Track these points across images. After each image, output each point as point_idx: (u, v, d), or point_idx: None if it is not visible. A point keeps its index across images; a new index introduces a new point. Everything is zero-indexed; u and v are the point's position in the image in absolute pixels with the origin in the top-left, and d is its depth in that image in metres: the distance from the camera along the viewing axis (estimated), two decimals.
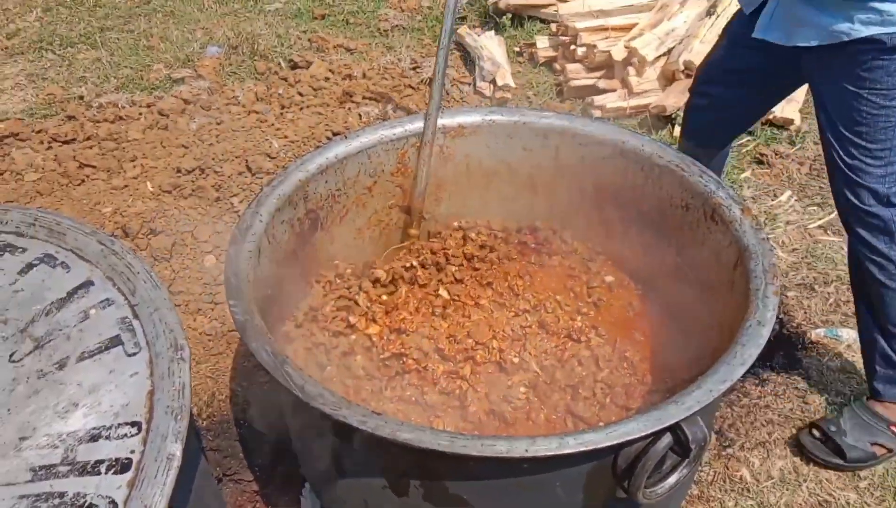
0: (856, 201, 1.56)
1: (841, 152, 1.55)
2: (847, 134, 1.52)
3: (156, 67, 3.39)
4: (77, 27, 3.81)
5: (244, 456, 1.84)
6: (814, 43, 1.49)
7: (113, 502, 0.96)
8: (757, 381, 1.94)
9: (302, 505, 1.75)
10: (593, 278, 1.79)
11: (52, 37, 3.72)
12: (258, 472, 1.82)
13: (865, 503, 1.68)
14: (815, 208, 2.47)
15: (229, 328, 2.08)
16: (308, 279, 1.73)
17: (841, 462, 1.72)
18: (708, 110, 1.86)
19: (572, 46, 3.16)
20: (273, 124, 2.85)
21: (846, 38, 1.44)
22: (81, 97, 3.18)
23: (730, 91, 1.79)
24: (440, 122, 1.79)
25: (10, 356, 1.15)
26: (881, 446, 1.73)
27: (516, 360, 1.59)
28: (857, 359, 1.88)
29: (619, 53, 2.98)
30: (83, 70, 3.44)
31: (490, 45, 3.32)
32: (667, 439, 1.11)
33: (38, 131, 2.88)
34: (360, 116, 2.92)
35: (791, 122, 2.80)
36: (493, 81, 3.13)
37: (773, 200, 2.53)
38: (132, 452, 1.02)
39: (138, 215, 2.34)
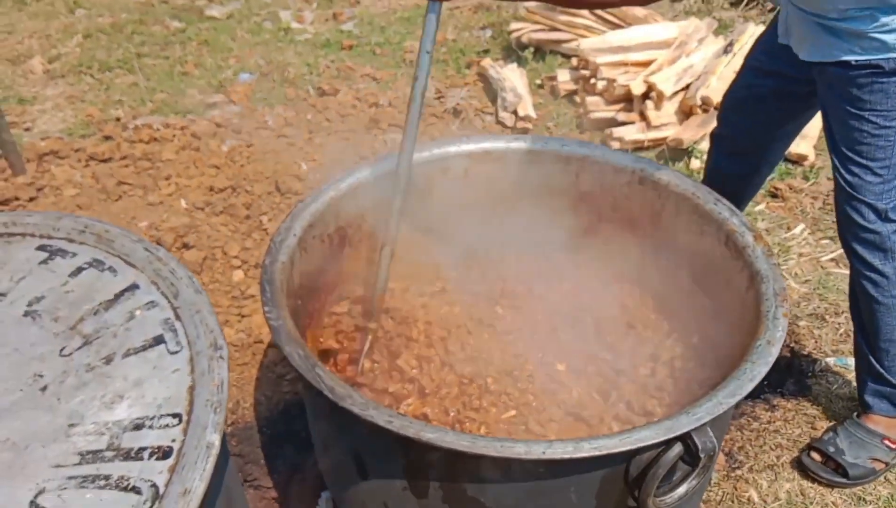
0: (855, 217, 1.62)
1: (842, 169, 1.61)
2: (848, 152, 1.59)
3: (190, 92, 3.53)
4: (115, 53, 3.98)
5: (265, 463, 1.90)
6: (816, 59, 1.56)
7: (154, 485, 1.02)
8: (767, 406, 1.98)
9: None
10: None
11: (92, 61, 3.88)
12: (277, 479, 1.87)
13: None
14: (827, 241, 2.52)
15: (255, 339, 2.16)
16: (335, 292, 1.81)
17: (845, 480, 1.76)
18: (730, 140, 1.93)
19: (592, 80, 3.26)
20: (301, 148, 2.97)
21: (847, 59, 1.50)
22: (118, 119, 3.32)
23: (749, 119, 1.85)
24: (466, 147, 1.87)
25: (61, 350, 1.23)
26: (878, 460, 1.77)
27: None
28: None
29: (638, 88, 3.08)
30: (120, 94, 3.59)
31: (512, 77, 3.43)
32: (677, 448, 1.16)
33: (77, 150, 3.01)
34: (385, 142, 3.02)
35: (805, 158, 2.87)
36: (515, 112, 3.23)
37: (786, 232, 2.59)
38: (173, 441, 1.09)
39: (172, 230, 2.44)
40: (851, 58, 1.50)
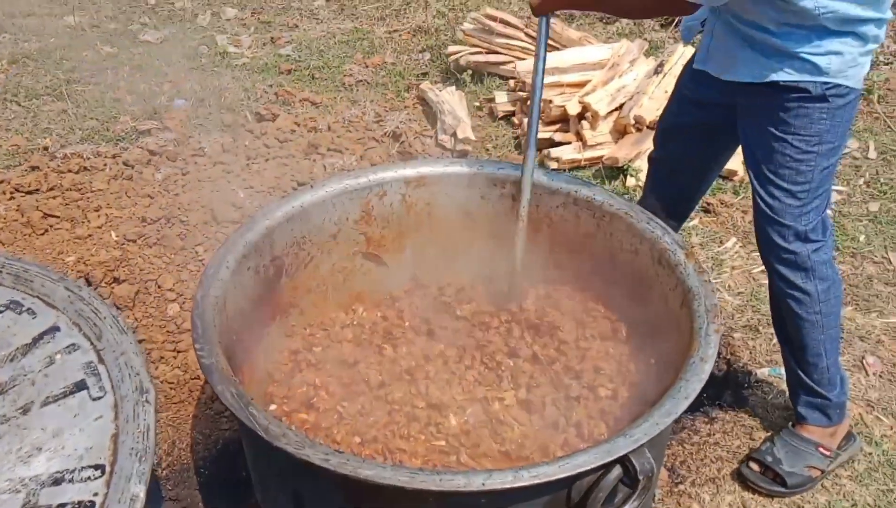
0: (776, 239, 1.65)
1: (763, 193, 1.64)
2: (770, 176, 1.61)
3: (122, 119, 3.43)
4: (43, 80, 3.85)
5: (203, 506, 1.83)
6: (746, 79, 1.57)
7: None
8: (707, 419, 2.02)
9: None
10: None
11: (18, 88, 3.74)
12: None
13: None
14: (758, 254, 2.59)
15: (191, 376, 2.09)
16: (272, 324, 1.77)
17: (783, 489, 1.80)
18: (664, 165, 1.95)
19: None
20: (239, 175, 2.91)
21: (776, 80, 1.52)
22: (46, 148, 3.20)
23: (682, 146, 1.87)
24: (403, 172, 1.87)
25: None
26: (815, 468, 1.81)
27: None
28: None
29: (573, 108, 3.13)
30: (48, 121, 3.46)
31: (451, 101, 3.45)
32: (616, 471, 1.16)
33: (1, 182, 2.89)
34: (324, 167, 2.99)
35: (735, 173, 2.96)
36: (455, 135, 3.24)
37: (719, 246, 2.66)
38: (95, 494, 1.03)
39: (102, 264, 2.35)
40: (780, 78, 1.52)
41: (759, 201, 1.65)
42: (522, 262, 1.83)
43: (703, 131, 1.82)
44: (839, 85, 1.52)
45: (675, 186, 1.96)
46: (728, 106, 1.68)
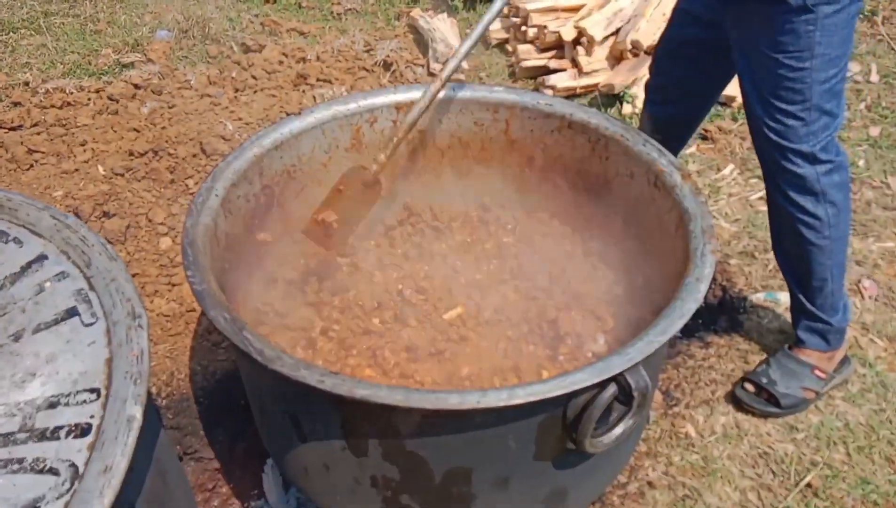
0: (784, 164, 1.62)
1: (766, 118, 1.60)
2: (770, 99, 1.57)
3: (104, 52, 3.33)
4: (19, 12, 3.71)
5: (205, 434, 1.85)
6: None
7: (73, 465, 0.97)
8: (701, 344, 2.03)
9: (264, 482, 1.77)
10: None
11: None
12: (219, 449, 1.83)
13: (802, 453, 1.78)
14: (755, 180, 2.57)
15: (187, 308, 2.09)
16: (265, 254, 1.75)
17: (777, 409, 1.83)
18: (663, 90, 1.91)
19: (523, 28, 3.21)
20: (227, 107, 2.84)
21: None
22: (27, 83, 3.11)
23: (680, 69, 1.83)
24: (394, 97, 1.82)
25: None
26: (809, 389, 1.84)
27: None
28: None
29: (568, 34, 3.05)
30: (27, 56, 3.35)
31: (443, 28, 3.35)
32: (612, 388, 1.17)
33: None
34: (314, 98, 2.92)
35: (733, 99, 2.91)
36: (447, 63, 3.16)
37: (716, 173, 2.63)
38: (92, 417, 1.03)
39: (90, 199, 2.32)
40: None
41: (763, 127, 1.61)
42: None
43: (703, 50, 1.77)
44: None
45: (673, 113, 1.92)
46: (723, 25, 1.63)
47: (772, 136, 1.61)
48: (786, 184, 1.65)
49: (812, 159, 1.61)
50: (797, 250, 1.73)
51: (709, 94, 1.92)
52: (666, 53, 1.87)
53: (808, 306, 1.79)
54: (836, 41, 1.51)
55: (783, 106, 1.57)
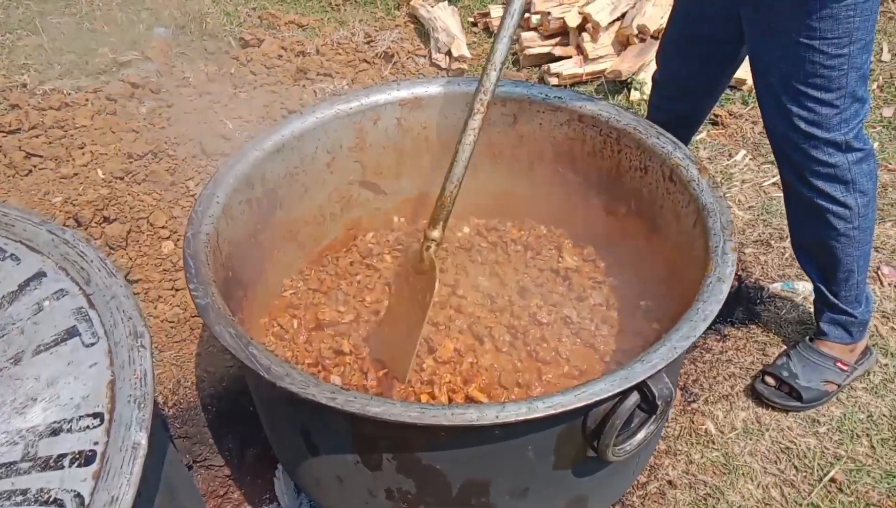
0: (815, 154, 1.55)
1: (799, 110, 1.52)
2: (801, 88, 1.49)
3: (101, 52, 3.27)
4: (15, 13, 3.66)
5: (214, 442, 1.82)
6: None
7: (79, 495, 0.94)
8: (719, 337, 1.99)
9: (276, 487, 1.74)
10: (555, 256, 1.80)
11: None
12: (229, 457, 1.80)
13: (825, 447, 1.74)
14: (768, 165, 2.51)
15: (192, 313, 2.05)
16: (269, 258, 1.71)
17: (798, 403, 1.79)
18: (670, 82, 1.85)
19: (527, 14, 3.14)
20: (226, 105, 2.78)
21: None
22: (24, 85, 3.05)
23: (687, 62, 1.77)
24: (397, 94, 1.77)
25: None
26: (831, 382, 1.80)
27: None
28: (812, 309, 1.94)
29: (573, 19, 2.98)
30: (24, 57, 3.30)
31: (444, 17, 3.28)
32: (634, 397, 1.12)
33: None
34: (315, 92, 2.86)
35: (743, 82, 2.84)
36: (449, 53, 3.10)
37: (728, 159, 2.57)
38: (95, 443, 0.99)
39: (90, 204, 2.27)
40: None
41: (793, 117, 1.53)
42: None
43: (709, 44, 1.70)
44: None
45: (681, 105, 1.87)
46: (733, 17, 1.57)
47: (803, 126, 1.53)
48: (813, 175, 1.59)
49: (846, 148, 1.54)
50: (823, 241, 1.67)
51: (718, 84, 1.87)
52: (671, 48, 1.81)
53: (832, 298, 1.74)
54: (870, 25, 1.44)
55: (817, 94, 1.49)
